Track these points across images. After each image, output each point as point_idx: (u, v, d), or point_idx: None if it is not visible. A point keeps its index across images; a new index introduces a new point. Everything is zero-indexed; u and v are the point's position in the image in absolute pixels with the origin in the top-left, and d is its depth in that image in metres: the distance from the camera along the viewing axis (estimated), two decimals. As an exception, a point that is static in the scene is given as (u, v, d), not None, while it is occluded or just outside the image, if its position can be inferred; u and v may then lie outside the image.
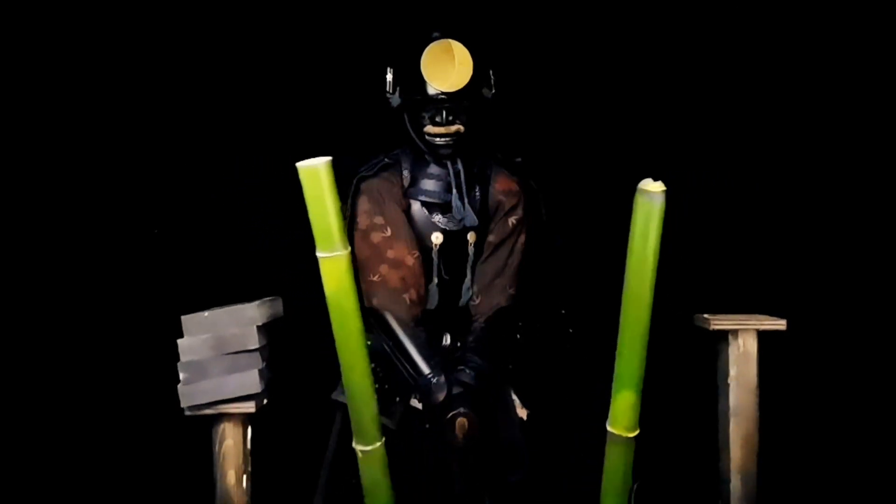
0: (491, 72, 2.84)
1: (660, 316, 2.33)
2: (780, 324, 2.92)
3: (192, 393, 2.79)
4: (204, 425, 2.86)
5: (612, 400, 2.33)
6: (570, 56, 3.47)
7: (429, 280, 2.83)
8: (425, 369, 2.69)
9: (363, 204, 2.83)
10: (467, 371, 2.69)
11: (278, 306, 3.04)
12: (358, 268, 2.70)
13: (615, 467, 2.38)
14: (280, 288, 3.14)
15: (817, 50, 3.42)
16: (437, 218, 2.84)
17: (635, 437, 2.35)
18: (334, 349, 2.40)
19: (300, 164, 2.27)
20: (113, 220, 3.41)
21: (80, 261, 3.39)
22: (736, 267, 3.47)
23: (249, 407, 2.82)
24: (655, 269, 2.22)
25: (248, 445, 2.89)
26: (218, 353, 2.80)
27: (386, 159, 2.88)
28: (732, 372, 2.91)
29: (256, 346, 2.81)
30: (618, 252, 2.29)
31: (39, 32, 3.36)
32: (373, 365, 2.47)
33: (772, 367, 2.96)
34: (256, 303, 2.86)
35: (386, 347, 2.75)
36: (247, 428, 2.88)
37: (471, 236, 2.85)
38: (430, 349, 2.74)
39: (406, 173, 2.85)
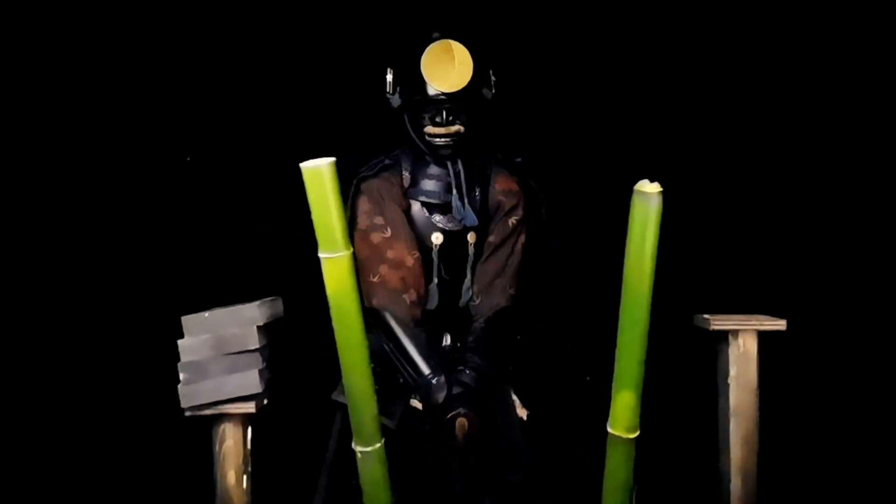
0: (491, 72, 2.84)
1: (660, 316, 2.33)
2: (780, 324, 2.92)
3: (192, 393, 2.79)
4: (204, 425, 2.86)
5: (612, 401, 2.33)
6: (569, 56, 3.47)
7: (429, 280, 2.83)
8: (425, 369, 2.69)
9: (363, 204, 2.83)
10: (467, 371, 2.69)
11: (278, 306, 3.04)
12: (358, 268, 2.70)
13: (616, 469, 2.38)
14: (280, 288, 3.14)
15: (817, 50, 3.42)
16: (437, 218, 2.84)
17: (636, 437, 2.35)
18: (334, 349, 2.40)
19: (304, 165, 2.27)
20: (113, 221, 3.41)
21: (80, 261, 3.39)
22: (736, 267, 3.47)
23: (249, 407, 2.82)
24: (653, 271, 2.22)
25: (248, 445, 2.89)
26: (218, 353, 2.80)
27: (386, 159, 2.88)
28: (732, 372, 2.91)
29: (256, 346, 2.81)
30: (618, 252, 2.29)
31: (40, 32, 3.36)
32: (372, 365, 2.47)
33: (772, 367, 2.96)
34: (256, 303, 2.86)
35: (386, 347, 2.75)
36: (247, 428, 2.88)
37: (471, 236, 2.85)
38: (430, 349, 2.75)
39: (406, 174, 2.85)
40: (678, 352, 3.27)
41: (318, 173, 2.26)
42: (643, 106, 3.47)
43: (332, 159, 2.27)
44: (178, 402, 2.80)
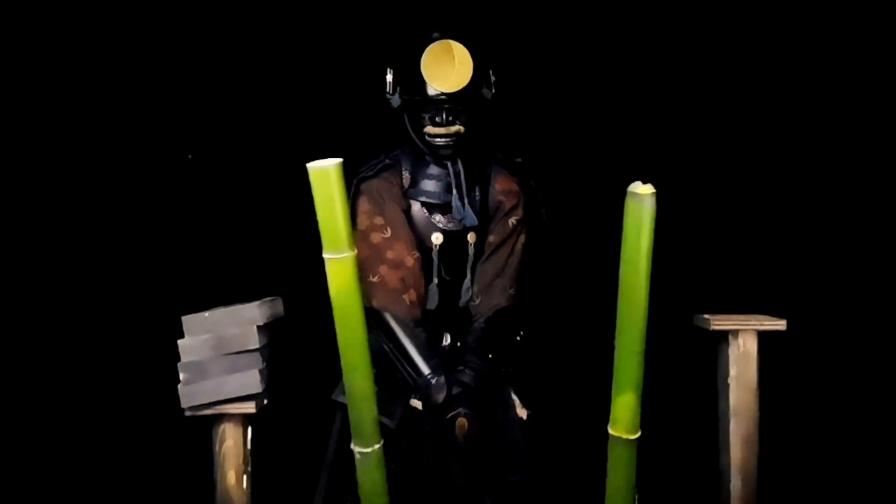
0: (491, 72, 2.84)
1: (659, 316, 2.33)
2: (780, 324, 2.92)
3: (192, 393, 2.79)
4: (204, 425, 2.86)
5: (612, 403, 2.33)
6: (569, 56, 3.47)
7: (429, 280, 2.83)
8: (425, 370, 2.69)
9: (363, 204, 2.83)
10: (467, 371, 2.69)
11: (278, 306, 3.04)
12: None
13: (618, 470, 2.37)
14: (280, 288, 3.14)
15: (817, 50, 3.42)
16: (437, 218, 2.84)
17: (637, 438, 2.35)
18: (335, 349, 2.41)
19: (311, 165, 2.27)
20: (113, 221, 3.41)
21: (80, 261, 3.39)
22: (736, 267, 3.47)
23: (249, 407, 2.82)
24: (649, 272, 2.22)
25: (248, 445, 2.89)
26: (218, 353, 2.80)
27: (386, 160, 2.88)
28: (732, 372, 2.91)
29: (256, 346, 2.81)
30: (618, 252, 2.29)
31: (40, 32, 3.36)
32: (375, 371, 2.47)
33: (772, 367, 2.96)
34: (256, 303, 2.86)
35: (385, 348, 2.75)
36: (247, 428, 2.88)
37: (471, 237, 2.85)
38: (430, 349, 2.75)
39: (406, 174, 2.85)
40: (678, 352, 3.27)
41: (325, 174, 2.26)
42: (643, 106, 3.47)
43: (339, 160, 2.27)
44: (178, 402, 2.80)
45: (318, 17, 3.43)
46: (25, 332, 3.36)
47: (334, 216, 2.29)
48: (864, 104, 3.41)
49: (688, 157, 3.45)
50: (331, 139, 3.13)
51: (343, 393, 2.52)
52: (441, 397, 2.64)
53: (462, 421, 2.59)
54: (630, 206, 2.20)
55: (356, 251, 2.36)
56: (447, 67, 2.73)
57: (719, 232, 3.47)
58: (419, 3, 3.27)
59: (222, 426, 2.84)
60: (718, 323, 2.92)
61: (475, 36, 2.79)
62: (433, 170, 2.84)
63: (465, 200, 2.80)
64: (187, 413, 2.81)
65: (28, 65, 3.36)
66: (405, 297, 2.77)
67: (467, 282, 2.85)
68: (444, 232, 2.84)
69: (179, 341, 2.81)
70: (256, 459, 2.94)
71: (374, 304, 2.76)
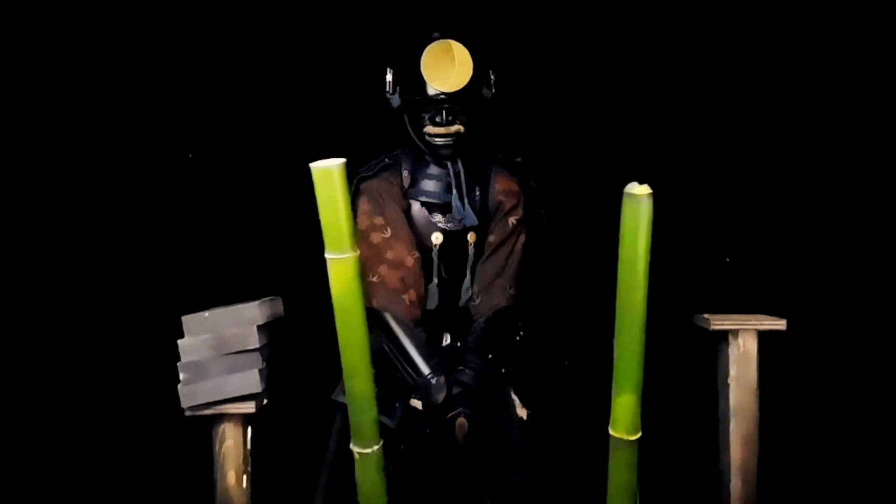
0: (491, 72, 2.84)
1: (659, 316, 2.33)
2: (780, 324, 2.92)
3: (192, 393, 2.79)
4: (204, 425, 2.86)
5: (612, 404, 2.33)
6: (569, 56, 3.47)
7: (429, 280, 2.83)
8: (425, 370, 2.69)
9: (363, 204, 2.83)
10: (467, 371, 2.69)
11: (278, 306, 3.04)
12: (358, 268, 2.70)
13: (619, 471, 2.37)
14: (280, 288, 3.14)
15: (816, 50, 3.42)
16: (437, 218, 2.84)
17: (638, 439, 2.35)
18: (335, 349, 2.40)
19: (314, 165, 2.27)
20: (113, 221, 3.41)
21: (80, 261, 3.39)
22: (736, 267, 3.47)
23: (249, 407, 2.82)
24: (647, 273, 2.22)
25: (248, 445, 2.89)
26: (218, 353, 2.80)
27: (386, 160, 2.88)
28: (732, 372, 2.91)
29: (256, 346, 2.81)
30: (618, 252, 2.29)
31: (40, 32, 3.36)
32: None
33: (772, 367, 2.96)
34: (256, 303, 2.86)
35: (385, 348, 2.75)
36: (247, 428, 2.88)
37: (471, 236, 2.85)
38: (430, 349, 2.75)
39: (406, 174, 2.85)
40: (678, 352, 3.27)
41: (329, 174, 2.26)
42: (644, 106, 3.47)
43: (343, 160, 2.27)
44: (178, 402, 2.80)
45: (317, 17, 3.43)
46: (26, 332, 3.36)
47: (337, 216, 2.29)
48: (864, 104, 3.41)
49: (687, 157, 3.44)
50: (331, 139, 3.13)
51: (343, 393, 2.52)
52: (441, 397, 2.64)
53: (462, 421, 2.59)
54: (627, 207, 2.20)
55: (358, 252, 2.36)
56: (447, 67, 2.73)
57: (719, 232, 3.47)
58: (419, 3, 3.27)
59: (222, 426, 2.84)
60: (718, 323, 2.92)
61: (475, 36, 2.79)
62: (433, 170, 2.83)
63: (465, 200, 2.80)
64: (187, 413, 2.81)
65: (28, 65, 3.36)
66: (405, 297, 2.77)
67: (467, 282, 2.85)
68: (443, 232, 2.84)
69: (179, 341, 2.81)
70: (256, 459, 2.94)
71: (374, 304, 2.76)
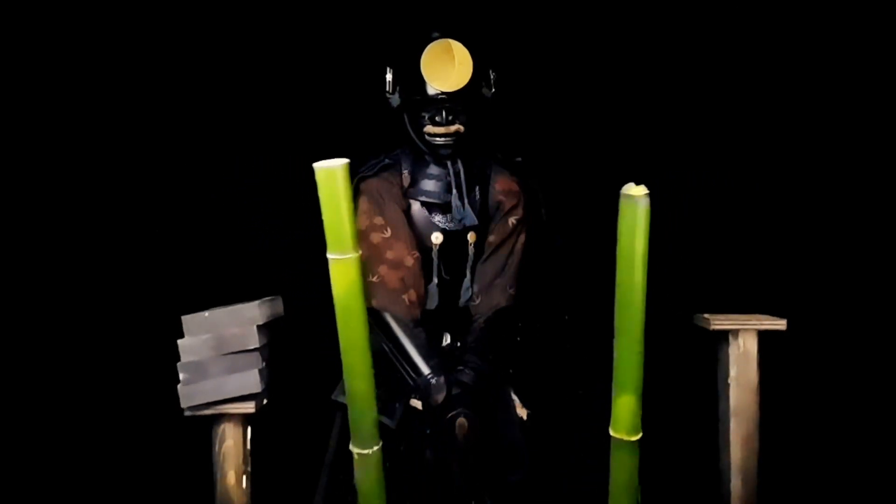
0: (491, 72, 2.84)
1: (659, 316, 2.33)
2: (780, 324, 2.92)
3: (192, 393, 2.79)
4: (204, 425, 2.86)
5: (613, 405, 2.33)
6: (569, 56, 3.47)
7: (428, 280, 2.83)
8: (425, 370, 2.69)
9: (363, 204, 2.83)
10: (467, 371, 2.69)
11: (278, 306, 3.04)
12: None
13: (620, 471, 2.37)
14: (280, 288, 3.14)
15: (815, 50, 3.42)
16: (437, 218, 2.84)
17: (638, 440, 2.35)
18: (335, 349, 2.40)
19: (317, 165, 2.27)
20: (113, 220, 3.41)
21: (80, 261, 3.39)
22: (736, 267, 3.47)
23: (249, 407, 2.82)
24: (645, 274, 2.22)
25: (248, 445, 2.89)
26: (218, 353, 2.80)
27: (386, 159, 2.88)
28: (732, 372, 2.91)
29: (256, 346, 2.81)
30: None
31: (41, 32, 3.36)
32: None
33: (772, 367, 2.96)
34: (256, 303, 2.86)
35: (385, 348, 2.75)
36: (247, 428, 2.88)
37: (471, 236, 2.84)
38: (430, 349, 2.74)
39: (406, 173, 2.85)
40: (678, 352, 3.27)
41: (332, 174, 2.26)
42: (644, 106, 3.47)
43: (346, 161, 2.27)
44: (178, 402, 2.80)
45: (318, 17, 3.43)
46: (26, 332, 3.36)
47: (339, 217, 2.29)
48: (864, 104, 3.41)
49: (687, 157, 3.45)
50: (331, 139, 3.13)
51: (343, 393, 2.52)
52: (441, 397, 2.64)
53: (462, 421, 2.58)
54: (624, 208, 2.20)
55: (360, 252, 2.36)
56: (447, 67, 2.73)
57: (719, 232, 3.47)
58: (419, 3, 3.27)
59: (222, 426, 2.84)
60: (718, 323, 2.92)
61: (475, 36, 2.79)
62: (433, 169, 2.83)
63: (465, 200, 2.80)
64: (187, 413, 2.81)
65: (29, 65, 3.36)
66: (405, 297, 2.77)
67: (467, 281, 2.85)
68: (443, 232, 2.83)
69: (179, 341, 2.81)
70: (256, 459, 2.94)
71: (374, 304, 2.75)
